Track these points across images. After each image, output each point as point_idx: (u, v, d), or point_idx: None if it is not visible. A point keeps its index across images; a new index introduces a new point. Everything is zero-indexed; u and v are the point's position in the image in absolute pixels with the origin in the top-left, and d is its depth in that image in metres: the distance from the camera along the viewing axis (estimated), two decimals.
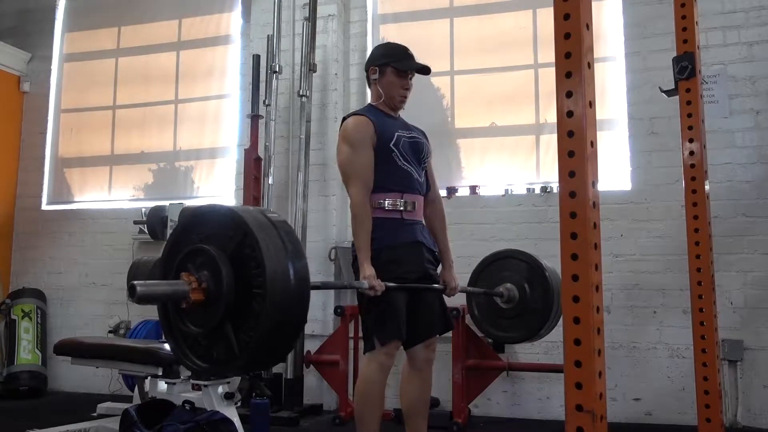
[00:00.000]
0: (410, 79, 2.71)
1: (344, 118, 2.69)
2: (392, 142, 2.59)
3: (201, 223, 1.68)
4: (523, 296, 3.04)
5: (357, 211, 2.50)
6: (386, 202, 2.56)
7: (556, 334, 4.07)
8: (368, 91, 4.87)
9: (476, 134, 4.64)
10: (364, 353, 2.58)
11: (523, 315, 3.06)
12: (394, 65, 2.67)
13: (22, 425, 3.39)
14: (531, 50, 4.57)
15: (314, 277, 4.57)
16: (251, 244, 1.53)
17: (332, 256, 4.43)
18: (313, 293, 1.65)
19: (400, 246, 2.55)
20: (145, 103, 5.46)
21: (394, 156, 2.58)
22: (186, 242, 1.66)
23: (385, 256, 2.50)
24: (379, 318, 2.48)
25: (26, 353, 4.99)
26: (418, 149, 2.68)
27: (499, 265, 3.14)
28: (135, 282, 1.49)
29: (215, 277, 1.56)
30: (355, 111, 2.76)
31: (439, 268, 2.75)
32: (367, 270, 2.42)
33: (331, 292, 4.37)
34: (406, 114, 2.82)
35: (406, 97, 2.72)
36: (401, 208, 2.57)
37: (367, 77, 2.77)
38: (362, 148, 2.54)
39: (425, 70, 2.73)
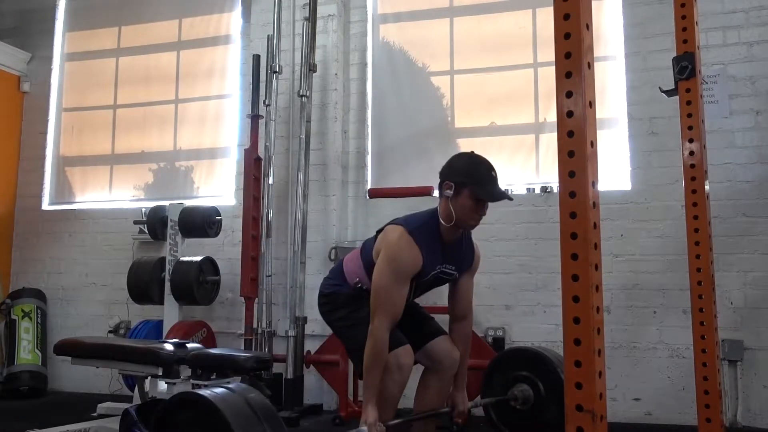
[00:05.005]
0: (486, 206, 2.43)
1: (399, 223, 2.45)
2: (419, 278, 2.44)
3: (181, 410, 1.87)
4: (537, 394, 2.82)
5: (376, 347, 2.33)
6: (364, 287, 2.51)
7: (557, 333, 4.08)
8: (369, 92, 4.94)
9: (476, 134, 4.63)
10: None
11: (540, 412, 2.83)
12: (474, 190, 2.38)
13: (22, 425, 3.40)
14: (530, 50, 4.57)
15: (314, 277, 4.56)
16: None
17: (332, 256, 4.43)
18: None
19: None
20: (145, 103, 5.46)
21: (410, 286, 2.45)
22: None
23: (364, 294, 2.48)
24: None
25: (26, 353, 4.99)
26: (436, 283, 2.55)
27: (508, 365, 2.95)
28: None
29: None
30: (414, 225, 2.44)
31: None
32: (370, 415, 2.26)
33: None
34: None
35: (478, 224, 2.47)
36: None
37: (440, 187, 2.46)
38: (403, 285, 2.38)
39: (507, 198, 2.45)
